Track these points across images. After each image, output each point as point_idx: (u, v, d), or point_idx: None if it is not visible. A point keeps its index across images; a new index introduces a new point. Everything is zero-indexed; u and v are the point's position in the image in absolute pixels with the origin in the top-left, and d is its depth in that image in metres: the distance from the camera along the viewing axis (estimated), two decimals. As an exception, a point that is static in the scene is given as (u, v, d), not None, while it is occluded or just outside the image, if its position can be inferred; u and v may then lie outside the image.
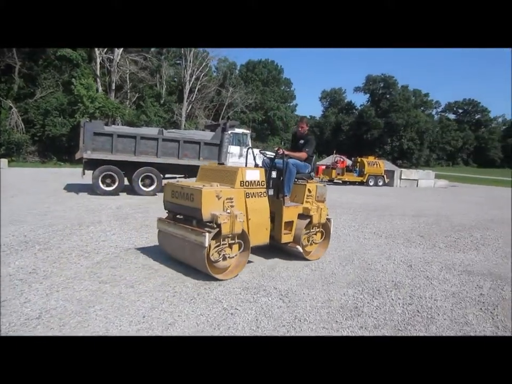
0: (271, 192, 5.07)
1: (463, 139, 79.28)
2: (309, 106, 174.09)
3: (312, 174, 5.74)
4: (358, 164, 24.78)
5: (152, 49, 36.66)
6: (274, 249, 5.40)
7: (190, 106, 39.16)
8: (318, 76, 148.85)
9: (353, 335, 3.19)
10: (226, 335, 3.10)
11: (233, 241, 4.35)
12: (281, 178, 5.08)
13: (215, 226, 4.09)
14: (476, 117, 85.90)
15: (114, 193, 10.93)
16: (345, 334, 3.20)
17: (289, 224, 5.06)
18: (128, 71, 33.93)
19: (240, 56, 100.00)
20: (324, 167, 24.82)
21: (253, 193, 4.62)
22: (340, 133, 72.73)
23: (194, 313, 3.42)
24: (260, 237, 4.71)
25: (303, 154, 5.43)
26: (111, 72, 32.67)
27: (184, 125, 36.18)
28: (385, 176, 25.39)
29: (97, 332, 2.99)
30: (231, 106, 44.96)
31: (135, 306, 3.48)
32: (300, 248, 5.16)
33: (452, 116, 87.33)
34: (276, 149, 5.32)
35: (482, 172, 61.95)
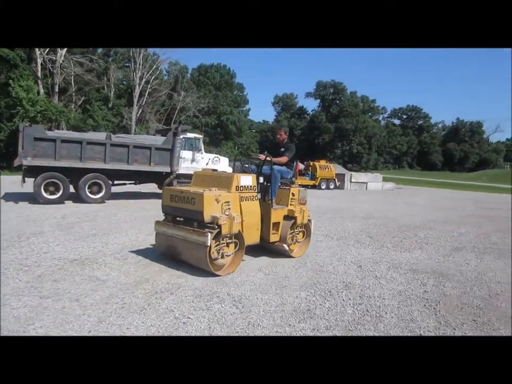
0: (258, 196, 5.42)
1: (407, 143, 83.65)
2: (262, 111, 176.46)
3: (293, 179, 6.14)
4: (310, 168, 25.37)
5: (99, 50, 35.44)
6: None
7: (141, 110, 38.18)
8: (271, 81, 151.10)
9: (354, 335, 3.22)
10: (226, 335, 3.12)
11: (231, 241, 4.78)
12: (267, 183, 5.56)
13: (216, 227, 4.48)
14: (419, 123, 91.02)
15: (59, 201, 10.33)
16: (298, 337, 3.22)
17: (276, 225, 5.52)
18: (72, 73, 32.49)
19: (192, 59, 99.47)
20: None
21: (247, 197, 5.07)
22: (292, 138, 73.88)
23: (145, 324, 3.28)
24: (252, 236, 5.17)
25: (284, 159, 5.83)
26: (53, 73, 31.04)
27: (135, 130, 35.19)
28: (336, 179, 26.20)
29: (36, 351, 2.78)
30: (183, 110, 44.44)
31: (80, 321, 3.27)
32: (286, 247, 5.62)
33: (397, 122, 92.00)
34: (263, 157, 5.68)
35: (425, 175, 65.82)
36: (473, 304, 4.24)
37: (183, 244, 4.78)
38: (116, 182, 11.93)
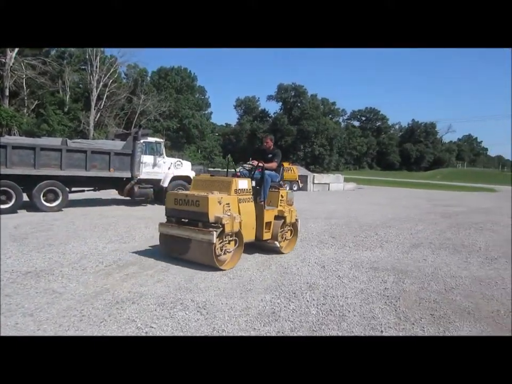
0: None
1: (367, 144, 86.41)
2: (224, 114, 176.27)
3: (281, 182, 6.73)
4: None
5: (52, 52, 34.00)
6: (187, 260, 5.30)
7: (99, 115, 36.99)
8: (232, 84, 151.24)
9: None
10: (226, 335, 3.18)
11: (232, 238, 5.32)
12: (258, 186, 6.05)
13: (220, 226, 4.98)
14: (377, 124, 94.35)
15: (11, 211, 9.75)
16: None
17: (268, 224, 6.05)
18: (24, 75, 30.95)
19: (151, 62, 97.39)
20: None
21: (244, 199, 5.64)
22: (255, 140, 74.46)
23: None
24: (249, 234, 5.71)
25: (274, 164, 6.44)
26: (3, 76, 29.46)
27: (93, 135, 34.03)
28: (299, 181, 26.54)
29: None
30: (143, 114, 43.56)
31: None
32: (277, 244, 6.17)
33: (356, 123, 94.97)
34: (256, 163, 6.19)
35: (384, 174, 68.21)
36: (431, 298, 4.42)
37: (188, 243, 5.24)
38: (73, 189, 11.47)
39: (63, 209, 10.53)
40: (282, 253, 6.29)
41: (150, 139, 13.02)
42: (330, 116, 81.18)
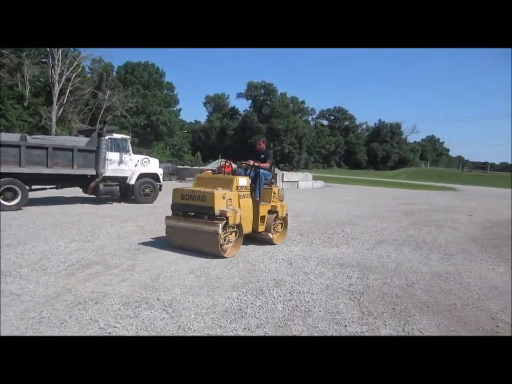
0: None
1: (335, 143, 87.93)
2: (193, 111, 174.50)
3: (273, 180, 7.42)
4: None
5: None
6: (157, 256, 5.20)
7: (62, 110, 35.50)
8: (201, 81, 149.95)
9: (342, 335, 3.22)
10: (225, 335, 3.23)
11: (233, 230, 5.98)
12: (253, 184, 6.58)
13: (224, 218, 5.60)
14: (345, 124, 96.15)
15: (-34, 209, 9.28)
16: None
17: (263, 217, 6.70)
18: (-21, 69, 29.40)
19: (116, 56, 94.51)
20: (210, 171, 24.97)
21: (243, 195, 6.26)
22: (225, 138, 74.29)
23: (65, 338, 3.06)
24: (247, 227, 6.34)
25: (267, 164, 7.11)
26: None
27: (56, 131, 32.72)
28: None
29: None
30: (109, 110, 42.39)
31: (-12, 341, 2.96)
32: (270, 235, 6.85)
33: (325, 122, 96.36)
34: (251, 163, 6.77)
35: (351, 173, 69.62)
36: (393, 293, 4.57)
37: (194, 234, 5.83)
38: (34, 186, 11.02)
39: (22, 208, 10.09)
40: (274, 244, 6.97)
41: (116, 135, 12.67)
42: (299, 114, 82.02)
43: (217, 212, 5.60)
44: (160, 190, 13.69)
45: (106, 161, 11.97)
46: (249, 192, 6.42)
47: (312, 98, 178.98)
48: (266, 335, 3.28)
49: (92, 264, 5.15)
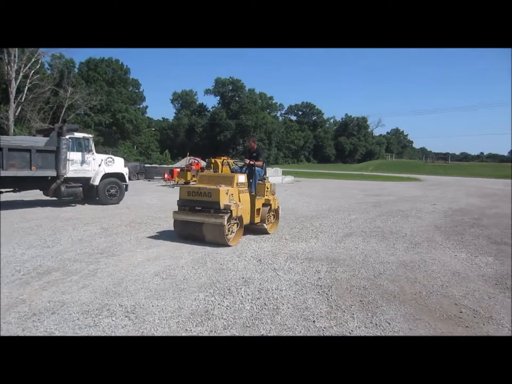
0: None
1: (304, 138, 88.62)
2: (160, 108, 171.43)
3: (265, 176, 8.20)
4: (212, 165, 25.15)
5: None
6: (122, 259, 4.99)
7: (20, 109, 33.77)
8: (168, 77, 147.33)
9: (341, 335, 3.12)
10: (224, 335, 3.24)
11: (236, 221, 6.72)
12: (250, 180, 7.37)
13: (228, 212, 6.32)
14: (313, 118, 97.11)
15: None
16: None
17: (258, 210, 7.49)
18: None
19: (78, 52, 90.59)
20: (179, 169, 24.56)
21: (242, 190, 7.04)
22: (194, 135, 73.39)
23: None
24: (246, 219, 7.10)
25: (260, 163, 7.73)
26: None
27: (14, 130, 31.16)
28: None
29: None
30: (72, 108, 40.82)
31: None
32: (265, 225, 7.66)
33: (293, 117, 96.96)
34: (247, 161, 7.54)
35: (321, 167, 70.52)
36: (360, 285, 4.59)
37: (201, 226, 6.53)
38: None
39: (-23, 213, 9.52)
40: (268, 233, 7.74)
41: (77, 134, 12.12)
42: (268, 110, 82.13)
43: (222, 206, 6.30)
44: (126, 190, 13.29)
45: (68, 162, 11.48)
46: (246, 188, 7.19)
47: (280, 94, 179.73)
48: (267, 335, 3.23)
49: (50, 271, 4.89)
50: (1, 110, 31.99)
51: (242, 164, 7.83)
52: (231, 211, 6.33)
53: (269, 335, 3.25)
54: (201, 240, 6.59)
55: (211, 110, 79.68)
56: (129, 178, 13.54)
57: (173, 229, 7.25)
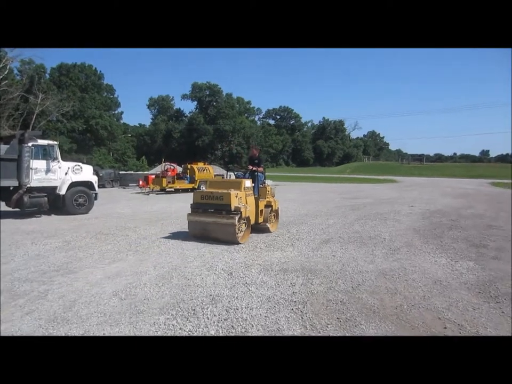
0: None
1: (282, 142, 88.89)
2: (137, 114, 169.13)
3: (265, 181, 9.21)
4: (188, 171, 24.65)
5: None
6: (79, 276, 4.50)
7: (-13, 116, 32.49)
8: (144, 82, 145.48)
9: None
10: (224, 335, 3.27)
11: (244, 222, 7.45)
12: (253, 184, 8.13)
13: (239, 213, 7.07)
14: (291, 122, 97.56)
15: None
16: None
17: (261, 211, 8.30)
18: None
19: (48, 58, 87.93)
20: (154, 176, 23.90)
21: (249, 194, 7.80)
22: (171, 141, 72.47)
23: None
24: (252, 219, 7.85)
25: (261, 169, 8.69)
26: None
27: (-20, 138, 29.78)
28: (216, 181, 26.01)
29: None
30: (43, 115, 39.58)
31: None
32: (268, 225, 8.50)
33: (271, 122, 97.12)
34: (250, 168, 8.51)
35: (299, 171, 70.79)
36: (338, 299, 4.25)
37: (214, 226, 7.31)
38: None
39: None
40: (270, 231, 8.56)
41: (41, 141, 11.45)
42: (246, 114, 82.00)
43: (233, 207, 7.05)
44: (95, 199, 12.65)
45: (31, 170, 10.83)
46: (252, 191, 7.95)
47: (257, 98, 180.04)
48: (266, 335, 3.17)
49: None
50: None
51: (246, 170, 8.79)
52: (241, 212, 7.09)
53: (269, 335, 3.26)
54: (214, 240, 7.31)
55: (188, 115, 79.04)
56: (104, 186, 12.97)
57: (140, 240, 6.84)
